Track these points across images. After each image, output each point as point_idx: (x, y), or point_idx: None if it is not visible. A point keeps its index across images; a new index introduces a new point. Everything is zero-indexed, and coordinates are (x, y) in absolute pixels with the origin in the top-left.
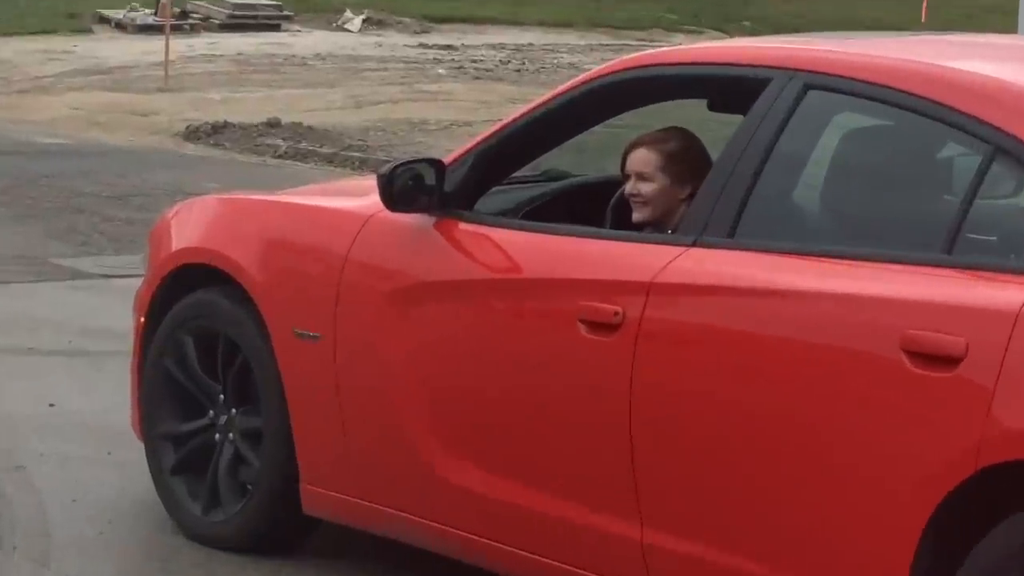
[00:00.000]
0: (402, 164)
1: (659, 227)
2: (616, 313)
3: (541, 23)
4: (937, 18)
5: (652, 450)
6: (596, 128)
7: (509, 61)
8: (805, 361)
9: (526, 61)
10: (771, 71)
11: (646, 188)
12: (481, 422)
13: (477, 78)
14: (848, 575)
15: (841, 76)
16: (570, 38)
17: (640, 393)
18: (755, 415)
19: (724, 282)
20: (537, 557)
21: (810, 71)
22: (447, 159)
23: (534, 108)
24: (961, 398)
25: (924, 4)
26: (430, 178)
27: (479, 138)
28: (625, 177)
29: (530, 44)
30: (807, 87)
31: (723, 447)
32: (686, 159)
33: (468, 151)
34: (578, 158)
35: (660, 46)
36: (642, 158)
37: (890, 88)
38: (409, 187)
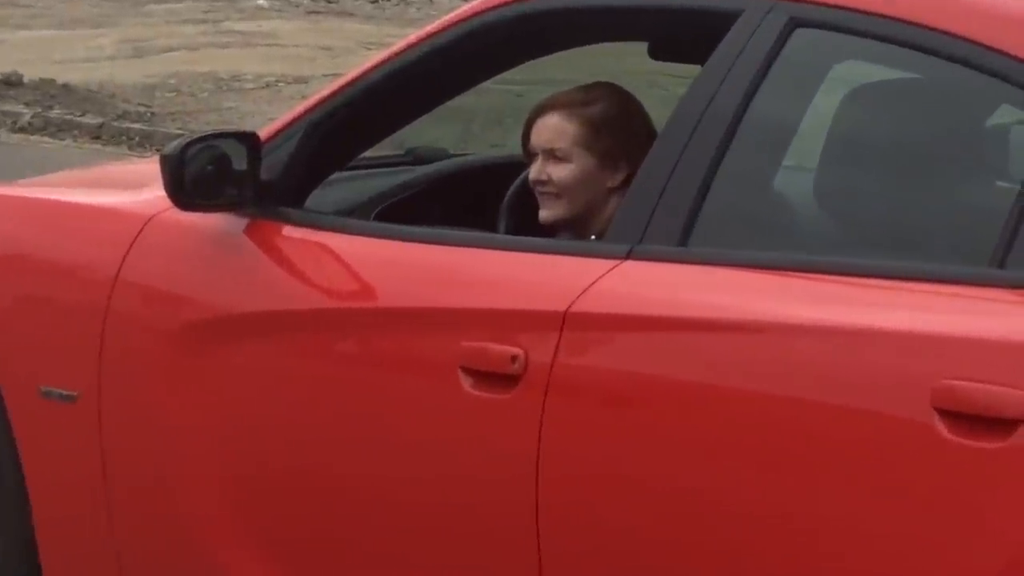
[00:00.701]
0: (198, 140)
1: (578, 230)
2: (514, 358)
3: None
4: None
5: (570, 548)
6: (485, 85)
7: None
8: (793, 428)
9: None
10: (741, 0)
11: (559, 173)
12: (307, 516)
13: (314, 12)
14: None
15: (843, 8)
16: None
17: (550, 475)
18: (723, 503)
19: (672, 311)
20: None
21: (798, 0)
22: (265, 132)
23: (392, 57)
24: (1016, 474)
25: None
26: (240, 161)
27: (312, 101)
28: (529, 157)
29: None
30: (793, 23)
31: (675, 548)
32: (617, 130)
33: (296, 120)
34: (460, 130)
35: None
36: (554, 129)
37: (915, 26)
38: (209, 174)
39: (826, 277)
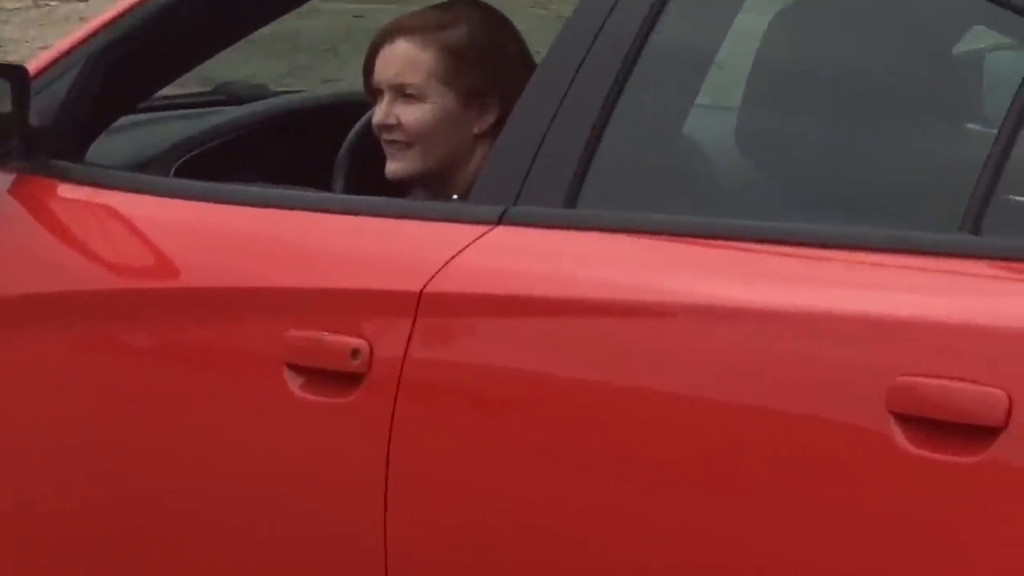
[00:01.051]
0: None
1: (436, 188)
2: (355, 352)
3: None
4: None
5: None
6: (316, 3)
7: None
8: (704, 436)
9: None
10: None
11: (412, 115)
12: (88, 548)
13: None
14: None
15: None
16: None
17: (400, 496)
18: (611, 521)
19: (554, 290)
20: None
21: None
22: (34, 66)
23: None
24: (994, 499)
25: None
26: (3, 101)
27: (95, 25)
28: (373, 95)
29: None
30: None
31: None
32: (485, 61)
33: (74, 49)
34: (284, 62)
35: None
36: (404, 59)
37: None
38: None
39: (750, 246)
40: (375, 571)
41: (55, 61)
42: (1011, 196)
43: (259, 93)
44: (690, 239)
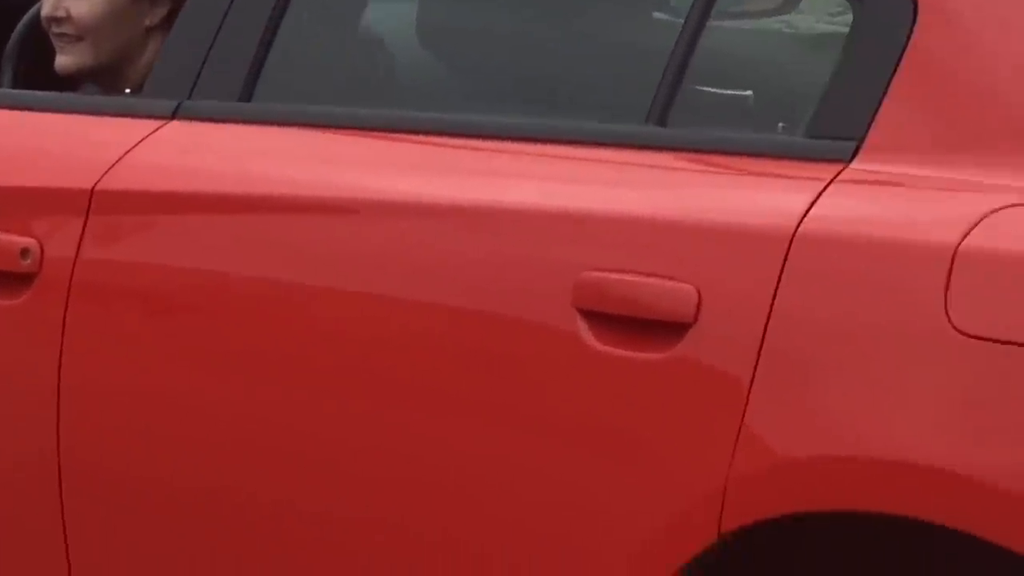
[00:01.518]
0: None
1: (108, 82)
2: (25, 251)
3: None
4: None
5: (92, 499)
6: None
7: None
8: (391, 335)
9: None
10: None
11: (80, 8)
12: None
13: None
14: None
15: None
16: None
17: (73, 398)
18: (297, 422)
19: (231, 186)
20: None
21: None
22: None
23: None
24: (690, 403)
25: None
26: None
27: None
28: None
29: None
30: None
31: (249, 473)
32: None
33: None
34: None
35: None
36: None
37: None
38: None
39: (433, 139)
40: (49, 475)
41: None
42: (697, 87)
43: None
44: (370, 132)
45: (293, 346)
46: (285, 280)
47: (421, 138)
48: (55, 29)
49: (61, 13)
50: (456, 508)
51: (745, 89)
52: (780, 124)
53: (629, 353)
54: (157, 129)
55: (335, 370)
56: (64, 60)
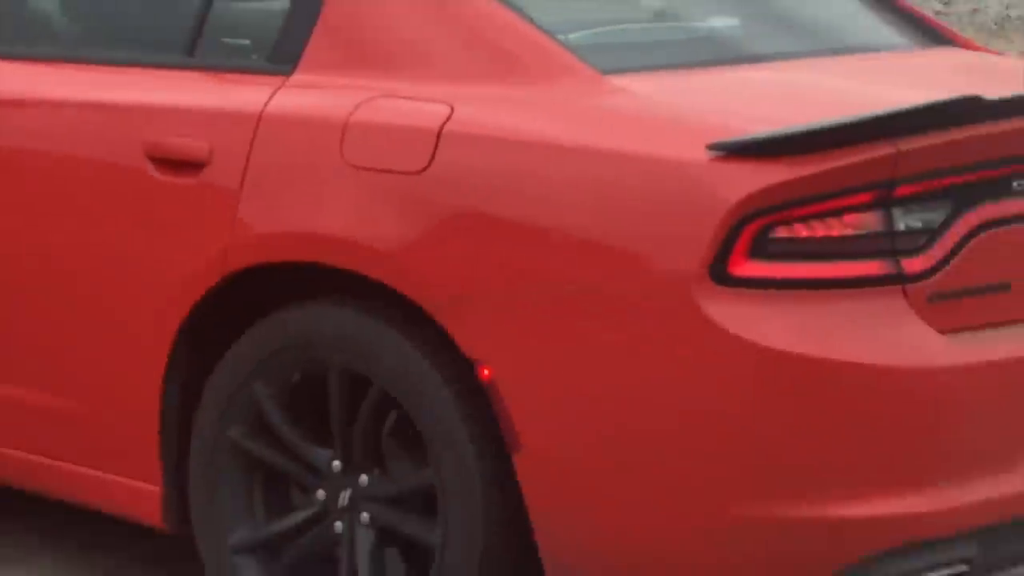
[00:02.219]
0: None
1: None
2: None
3: None
4: None
5: None
6: None
7: None
8: (40, 177)
9: None
10: None
11: None
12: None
13: None
14: (103, 390)
15: None
16: None
17: None
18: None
19: None
20: None
21: None
22: None
23: None
24: (205, 206)
25: None
26: None
27: None
28: None
29: None
30: None
31: None
32: None
33: None
34: None
35: None
36: None
37: None
38: None
39: (68, 65)
40: None
41: None
42: (213, 37)
43: None
44: (25, 61)
45: None
46: None
47: (60, 64)
48: None
49: None
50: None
51: (241, 36)
52: (254, 55)
53: (176, 180)
54: None
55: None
56: None
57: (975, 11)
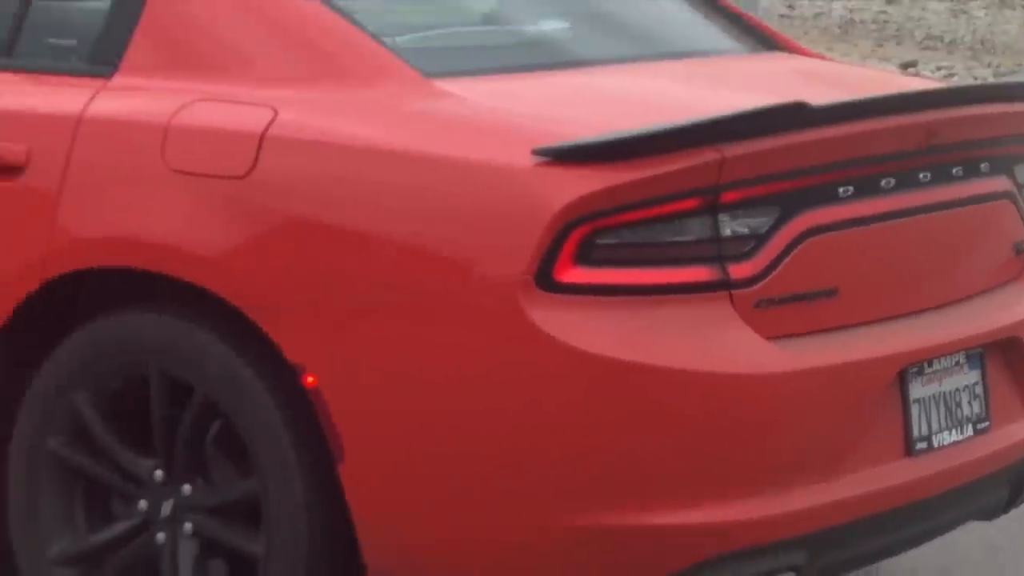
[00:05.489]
0: None
1: None
2: None
3: None
4: None
5: None
6: None
7: None
8: None
9: None
10: None
11: None
12: None
13: None
14: None
15: None
16: None
17: None
18: None
19: None
20: None
21: None
22: None
23: None
24: (24, 210)
25: None
26: None
27: None
28: None
29: None
30: None
31: None
32: None
33: None
34: None
35: None
36: None
37: None
38: None
39: None
40: None
41: None
42: (31, 37)
43: None
44: None
45: None
46: None
47: None
48: None
49: None
50: None
51: (61, 37)
52: (74, 57)
53: (2, 185)
54: None
55: None
56: None
57: (819, 14)
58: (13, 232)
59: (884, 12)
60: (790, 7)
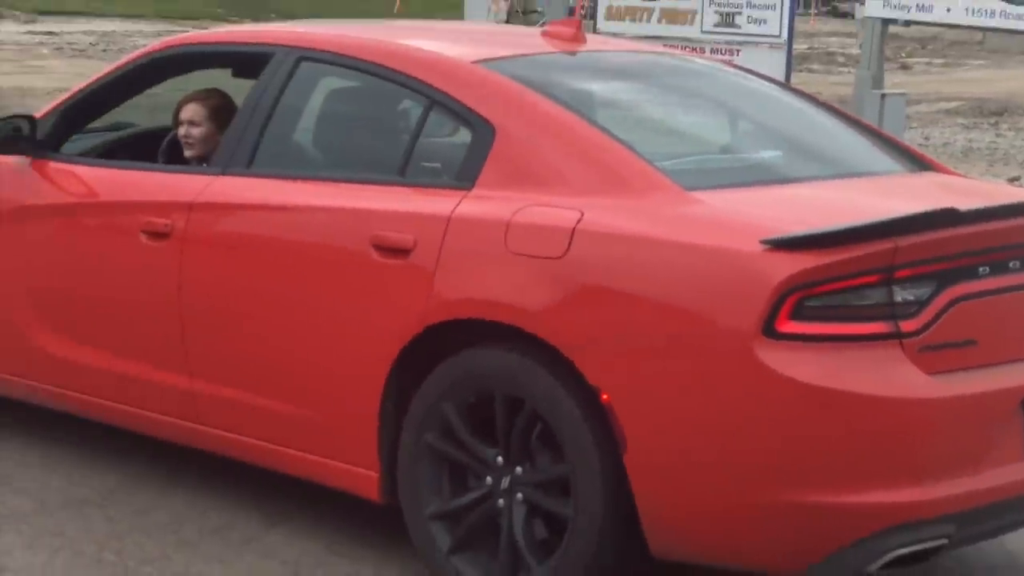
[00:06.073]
0: (2, 120)
1: (205, 162)
2: (167, 225)
3: (121, 15)
4: (408, 10)
5: (196, 325)
6: (152, 91)
7: (97, 43)
8: (303, 257)
9: (111, 43)
10: (273, 47)
11: (196, 132)
12: (75, 310)
13: (73, 56)
14: (336, 404)
15: (324, 50)
16: (142, 26)
17: (186, 284)
18: (268, 297)
19: (245, 200)
20: (124, 407)
21: (302, 47)
22: (38, 114)
23: (104, 75)
24: (412, 279)
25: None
26: (26, 129)
27: (63, 97)
28: (177, 124)
29: (113, 31)
30: (300, 59)
31: (247, 320)
32: (223, 110)
33: (55, 107)
34: (138, 113)
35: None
36: (192, 110)
37: (359, 59)
38: (10, 136)
39: (320, 183)
40: (176, 323)
41: (48, 112)
42: (417, 163)
43: (129, 124)
44: (292, 180)
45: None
46: (254, 233)
47: (310, 183)
48: (186, 141)
49: (188, 134)
50: None
51: (436, 162)
52: (445, 176)
53: (390, 261)
54: (215, 179)
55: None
56: (189, 152)
57: (946, 144)
58: (405, 293)
59: (995, 141)
60: (926, 139)
